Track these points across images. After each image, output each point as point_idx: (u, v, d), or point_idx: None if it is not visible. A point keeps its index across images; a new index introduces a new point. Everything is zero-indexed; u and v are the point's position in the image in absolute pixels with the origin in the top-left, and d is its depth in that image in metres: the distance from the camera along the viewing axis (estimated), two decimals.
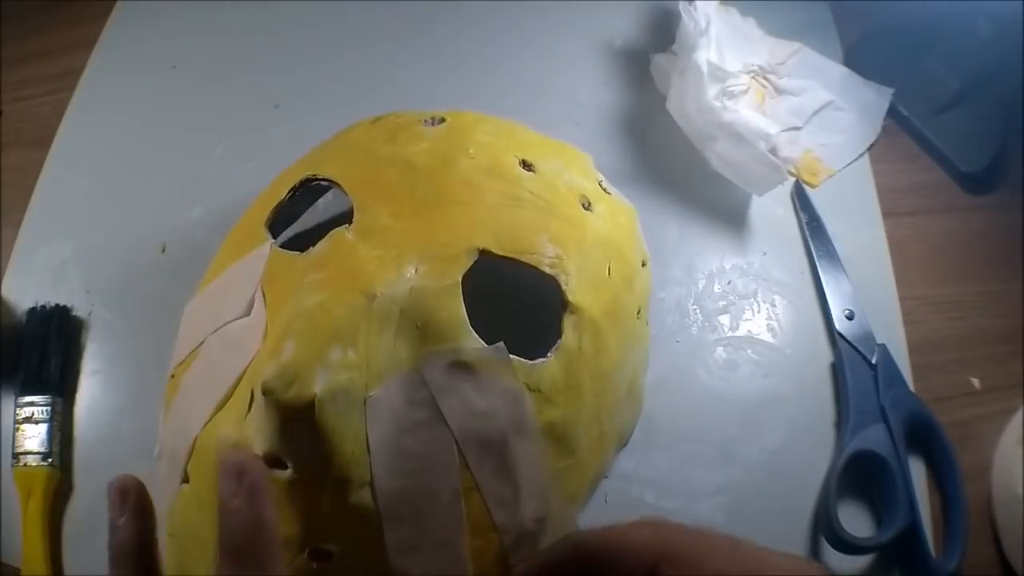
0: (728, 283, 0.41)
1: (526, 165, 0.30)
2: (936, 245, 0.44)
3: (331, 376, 0.23)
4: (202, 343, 0.28)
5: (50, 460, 0.35)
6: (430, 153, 0.30)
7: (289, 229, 0.35)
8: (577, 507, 0.30)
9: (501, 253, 0.27)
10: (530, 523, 0.27)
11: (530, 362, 0.27)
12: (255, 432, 0.24)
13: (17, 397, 0.36)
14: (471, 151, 0.30)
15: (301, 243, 0.28)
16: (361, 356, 0.24)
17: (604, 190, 0.33)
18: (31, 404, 0.36)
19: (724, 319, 0.40)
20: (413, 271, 0.26)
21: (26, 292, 0.39)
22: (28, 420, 0.35)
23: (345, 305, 0.25)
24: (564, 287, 0.28)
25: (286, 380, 0.23)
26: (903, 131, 0.47)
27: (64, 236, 0.41)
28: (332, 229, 0.27)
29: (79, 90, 0.47)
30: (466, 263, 0.26)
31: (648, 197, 0.42)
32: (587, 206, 0.31)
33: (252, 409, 0.24)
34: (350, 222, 0.28)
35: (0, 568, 0.34)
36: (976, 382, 0.40)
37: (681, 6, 0.43)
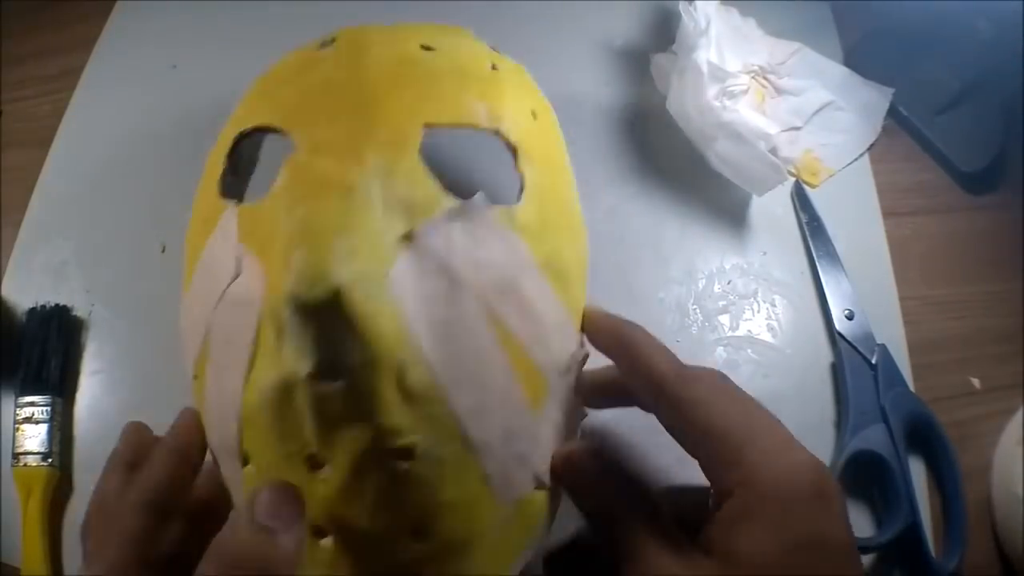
0: (728, 283, 0.41)
1: (427, 48, 0.31)
2: (936, 245, 0.44)
3: (346, 266, 0.24)
4: (208, 325, 0.28)
5: (50, 460, 0.35)
6: (338, 67, 0.30)
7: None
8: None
9: (441, 122, 0.28)
10: (563, 356, 0.28)
11: (506, 207, 0.28)
12: (294, 357, 0.24)
13: (17, 397, 0.36)
14: (373, 52, 0.31)
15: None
16: (364, 243, 0.25)
17: (497, 53, 0.35)
18: (31, 404, 0.36)
19: (724, 319, 0.40)
20: (376, 161, 0.26)
21: (26, 292, 0.39)
22: (28, 420, 0.35)
23: (330, 206, 0.25)
24: (507, 135, 0.29)
25: (307, 283, 0.23)
26: (903, 131, 0.47)
27: (64, 236, 0.41)
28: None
29: (79, 90, 0.47)
30: (416, 141, 0.27)
31: (648, 197, 0.42)
32: (494, 67, 0.33)
33: (284, 338, 0.24)
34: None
35: (0, 568, 0.34)
36: (976, 382, 0.40)
37: (681, 6, 0.43)
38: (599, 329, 0.29)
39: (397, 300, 0.25)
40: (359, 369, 0.24)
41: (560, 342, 0.28)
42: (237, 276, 0.27)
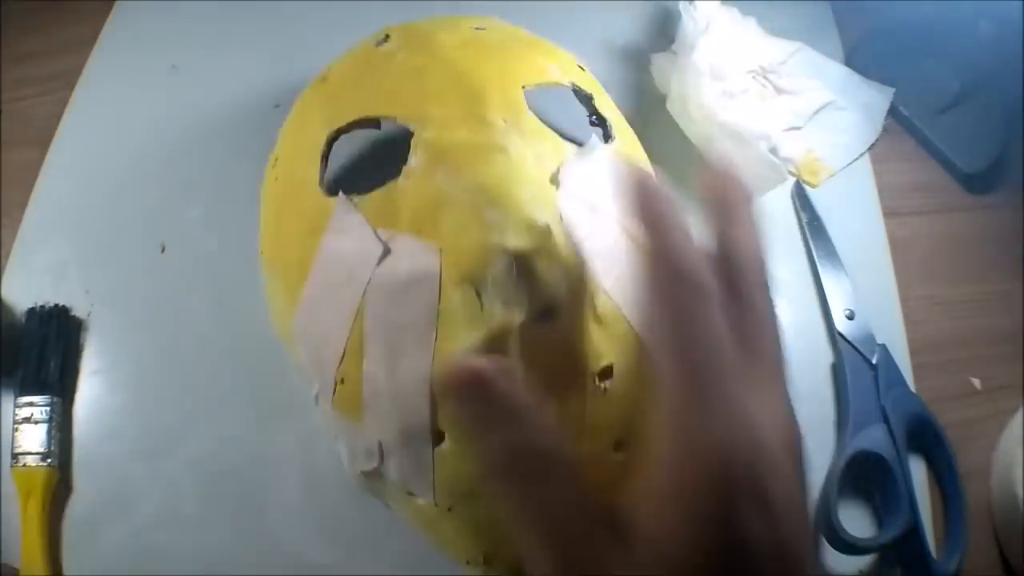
0: None
1: (478, 28, 0.34)
2: (937, 245, 0.44)
3: (540, 212, 0.26)
4: (358, 313, 0.28)
5: (49, 460, 0.35)
6: (415, 54, 0.32)
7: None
8: None
9: (531, 83, 0.31)
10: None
11: (608, 144, 0.32)
12: (503, 309, 0.25)
13: (16, 397, 0.36)
14: (438, 38, 0.33)
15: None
16: (539, 191, 0.27)
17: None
18: (30, 404, 0.36)
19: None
20: (503, 122, 0.29)
21: (26, 292, 0.39)
22: (27, 420, 0.35)
23: (497, 166, 0.27)
24: (581, 86, 0.33)
25: (516, 232, 0.25)
26: (904, 131, 0.47)
27: (64, 236, 0.41)
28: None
29: (78, 90, 0.46)
30: (523, 101, 0.30)
31: None
32: (529, 35, 0.36)
33: (487, 295, 0.26)
34: (408, 142, 0.29)
35: (0, 568, 0.34)
36: (977, 382, 0.40)
37: (681, 6, 0.43)
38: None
39: (575, 236, 0.27)
40: (567, 304, 0.26)
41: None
42: (384, 256, 0.27)
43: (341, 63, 0.35)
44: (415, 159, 0.28)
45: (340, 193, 0.29)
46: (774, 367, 0.23)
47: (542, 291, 0.26)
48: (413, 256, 0.27)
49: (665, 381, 0.19)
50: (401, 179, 0.28)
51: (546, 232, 0.26)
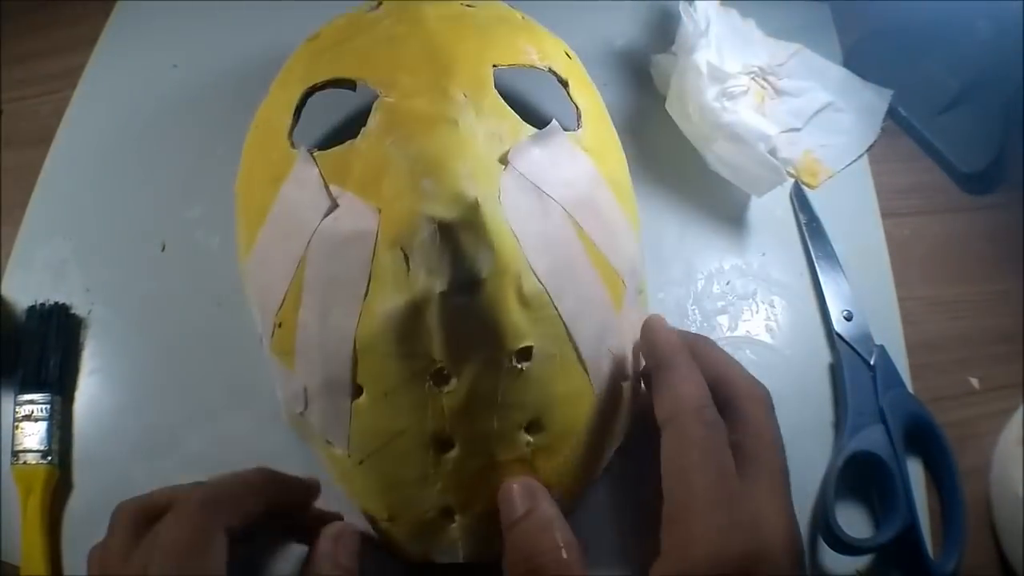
0: (727, 284, 0.41)
1: (468, 5, 0.35)
2: (936, 245, 0.44)
3: (473, 186, 0.26)
4: (301, 262, 0.29)
5: (50, 458, 0.35)
6: (399, 23, 0.33)
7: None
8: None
9: (504, 63, 0.32)
10: (630, 260, 0.32)
11: (572, 132, 0.32)
12: (426, 277, 0.26)
13: (16, 395, 0.36)
14: (425, 10, 0.33)
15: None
16: (479, 167, 0.27)
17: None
18: (30, 402, 0.36)
19: (723, 320, 0.40)
20: (462, 96, 0.29)
21: (26, 291, 0.39)
22: (27, 418, 0.35)
23: (443, 138, 0.28)
24: (558, 71, 0.34)
25: (444, 203, 0.26)
26: (903, 132, 0.47)
27: (64, 235, 0.41)
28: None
29: (79, 89, 0.47)
30: (491, 80, 0.30)
31: (647, 197, 0.42)
32: (523, 18, 0.37)
33: (415, 260, 0.26)
34: (375, 101, 0.30)
35: (0, 566, 0.34)
36: (975, 382, 0.40)
37: (681, 6, 0.43)
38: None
39: (506, 215, 0.27)
40: (490, 279, 0.26)
41: (626, 247, 0.32)
42: (331, 211, 0.28)
43: (332, 24, 0.37)
44: (373, 122, 0.29)
45: (302, 146, 0.30)
46: (776, 475, 0.28)
47: (464, 263, 0.26)
48: (355, 215, 0.28)
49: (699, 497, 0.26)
50: (359, 139, 0.29)
51: (473, 207, 0.26)
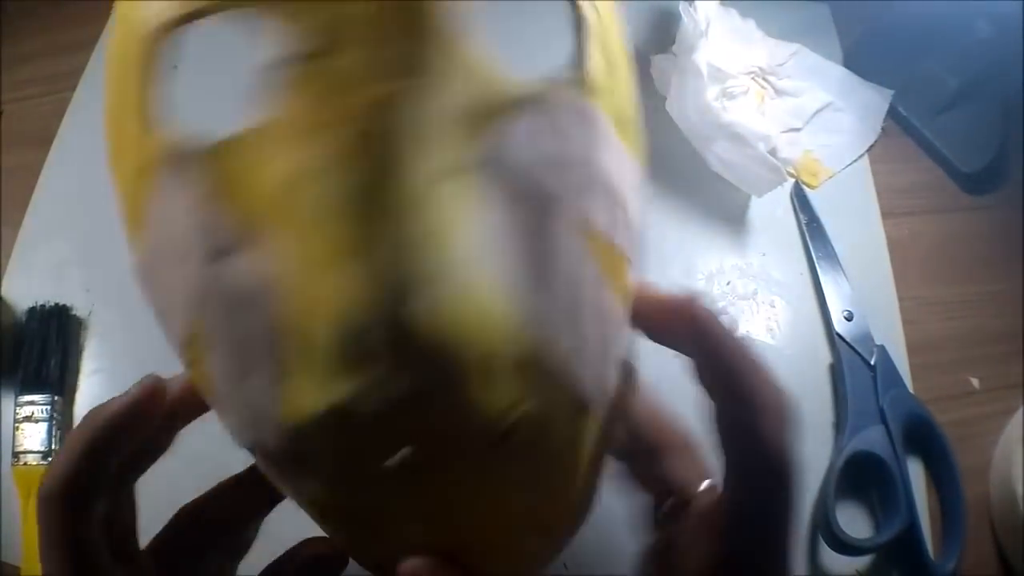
0: (727, 284, 0.41)
1: None
2: (936, 245, 0.44)
3: (429, 262, 0.18)
4: (200, 300, 0.21)
5: (50, 459, 0.35)
6: None
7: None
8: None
9: None
10: (638, 214, 0.24)
11: (578, 72, 0.22)
12: (353, 385, 0.18)
13: (17, 396, 0.36)
14: None
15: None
16: (429, 220, 0.19)
17: None
18: (31, 403, 0.36)
19: (723, 320, 0.40)
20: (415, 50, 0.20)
21: (26, 292, 0.39)
22: (28, 419, 0.35)
23: (380, 178, 0.18)
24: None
25: (384, 305, 0.18)
26: (903, 131, 0.47)
27: (64, 236, 0.41)
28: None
29: (79, 90, 0.47)
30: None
31: (647, 198, 0.42)
32: None
33: (335, 363, 0.18)
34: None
35: (0, 567, 0.34)
36: (976, 382, 0.40)
37: (681, 7, 0.43)
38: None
39: (477, 252, 0.19)
40: (443, 389, 0.19)
41: (633, 199, 0.24)
42: (220, 255, 0.20)
43: None
44: (278, 100, 0.21)
45: (168, 135, 0.22)
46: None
47: (399, 376, 0.19)
48: (253, 264, 0.20)
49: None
50: (252, 130, 0.22)
51: (415, 316, 0.18)
